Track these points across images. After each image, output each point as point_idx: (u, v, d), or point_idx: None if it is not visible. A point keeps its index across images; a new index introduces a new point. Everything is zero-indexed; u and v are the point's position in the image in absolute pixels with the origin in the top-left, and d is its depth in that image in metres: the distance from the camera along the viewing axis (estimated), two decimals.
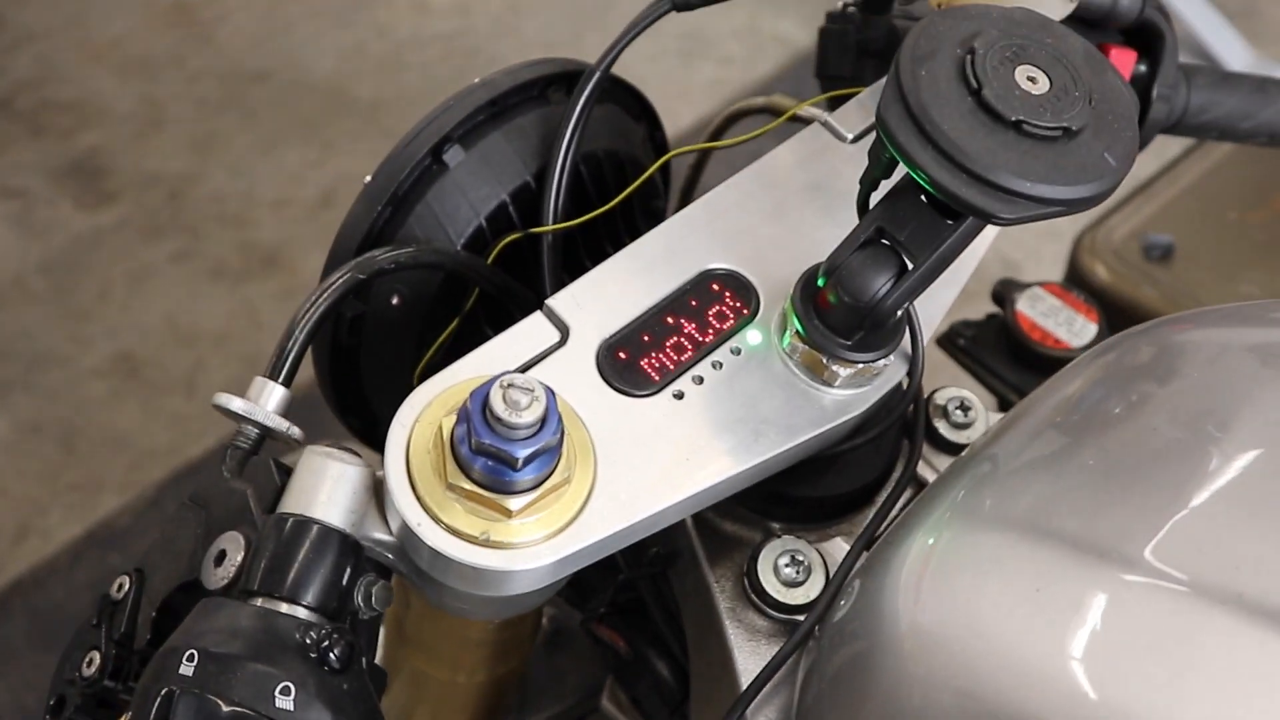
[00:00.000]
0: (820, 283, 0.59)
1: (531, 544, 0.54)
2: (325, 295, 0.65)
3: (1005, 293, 0.94)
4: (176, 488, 2.41)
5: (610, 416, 0.58)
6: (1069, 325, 0.91)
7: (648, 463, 0.58)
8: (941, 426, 0.71)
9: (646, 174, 0.76)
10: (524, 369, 0.59)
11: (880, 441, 0.66)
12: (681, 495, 0.57)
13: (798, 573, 0.64)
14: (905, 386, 0.64)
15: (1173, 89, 0.78)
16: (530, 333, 0.60)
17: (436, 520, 0.53)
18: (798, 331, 0.60)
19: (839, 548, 0.67)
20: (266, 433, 0.62)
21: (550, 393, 0.53)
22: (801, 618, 0.63)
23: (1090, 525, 0.46)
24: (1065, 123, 0.52)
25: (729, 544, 0.67)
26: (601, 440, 0.57)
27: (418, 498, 0.54)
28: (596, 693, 0.86)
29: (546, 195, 0.72)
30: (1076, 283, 1.16)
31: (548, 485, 0.54)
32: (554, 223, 0.73)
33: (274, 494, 0.57)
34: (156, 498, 2.41)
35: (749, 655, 0.64)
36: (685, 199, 0.90)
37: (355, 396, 0.79)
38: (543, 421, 0.52)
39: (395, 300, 0.73)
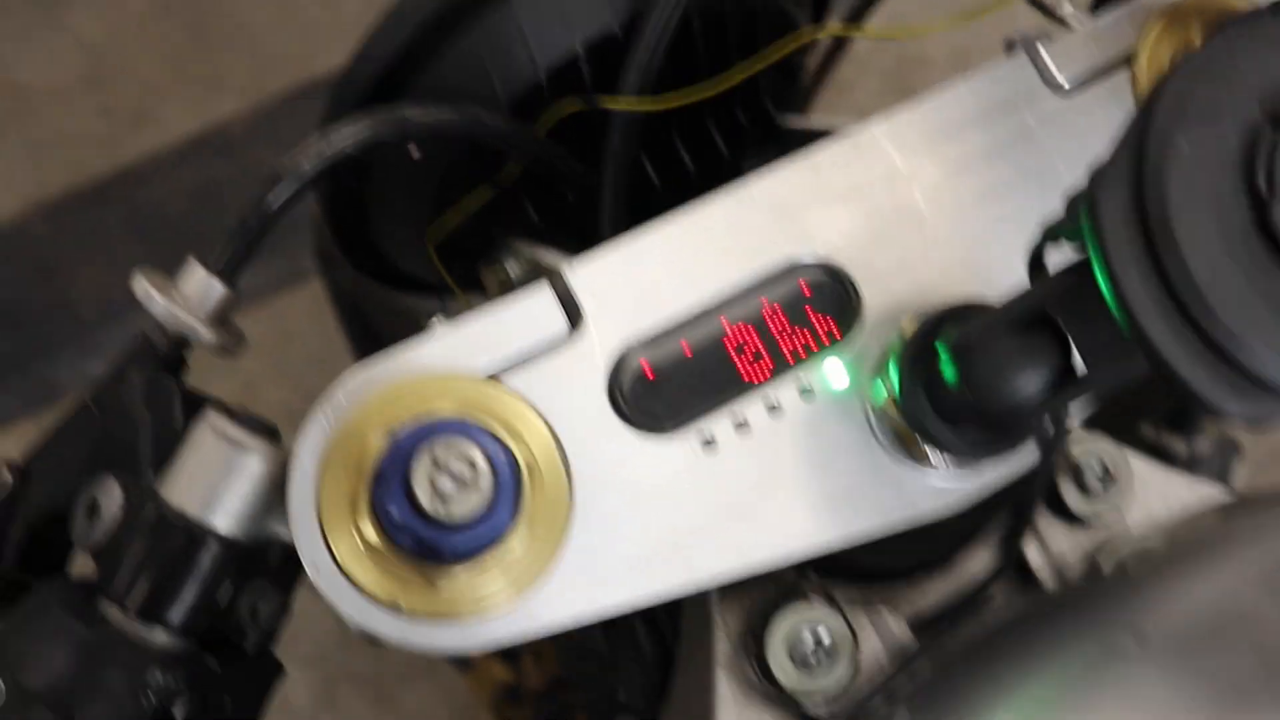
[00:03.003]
0: (941, 351, 0.41)
1: (455, 623, 0.41)
2: (301, 171, 0.48)
3: None
4: (294, 104, 2.31)
5: (608, 458, 0.43)
6: None
7: (640, 535, 0.43)
8: (1067, 490, 0.54)
9: (771, 57, 0.55)
10: (511, 367, 0.43)
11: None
12: (673, 588, 0.43)
13: (816, 656, 0.50)
14: (1036, 473, 0.47)
15: None
16: (529, 314, 0.44)
17: (339, 565, 0.40)
18: (894, 398, 0.43)
19: (881, 621, 0.52)
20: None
21: (510, 470, 0.38)
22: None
23: None
24: None
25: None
26: (586, 490, 0.42)
27: (321, 529, 0.40)
28: None
29: (634, 60, 0.53)
30: None
31: (489, 558, 0.40)
32: (638, 95, 0.54)
33: (170, 441, 0.45)
34: (273, 110, 2.31)
35: None
36: (815, 84, 0.69)
37: (360, 237, 0.64)
38: (488, 510, 0.37)
39: (414, 153, 0.57)
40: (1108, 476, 0.54)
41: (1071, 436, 0.54)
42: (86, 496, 0.45)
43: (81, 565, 0.48)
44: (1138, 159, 0.32)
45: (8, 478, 0.50)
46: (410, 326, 1.07)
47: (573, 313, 0.44)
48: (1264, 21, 0.34)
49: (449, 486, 0.37)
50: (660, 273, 0.44)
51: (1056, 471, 0.54)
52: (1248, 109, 0.32)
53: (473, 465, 0.37)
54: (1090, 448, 0.54)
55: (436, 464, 0.37)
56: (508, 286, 0.59)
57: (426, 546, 0.38)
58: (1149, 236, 0.32)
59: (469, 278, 0.63)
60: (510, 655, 1.33)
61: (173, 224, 2.22)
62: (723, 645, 0.53)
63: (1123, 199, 0.32)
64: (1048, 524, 0.55)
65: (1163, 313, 0.32)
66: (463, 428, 0.38)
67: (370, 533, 0.39)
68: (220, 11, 2.43)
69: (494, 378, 0.43)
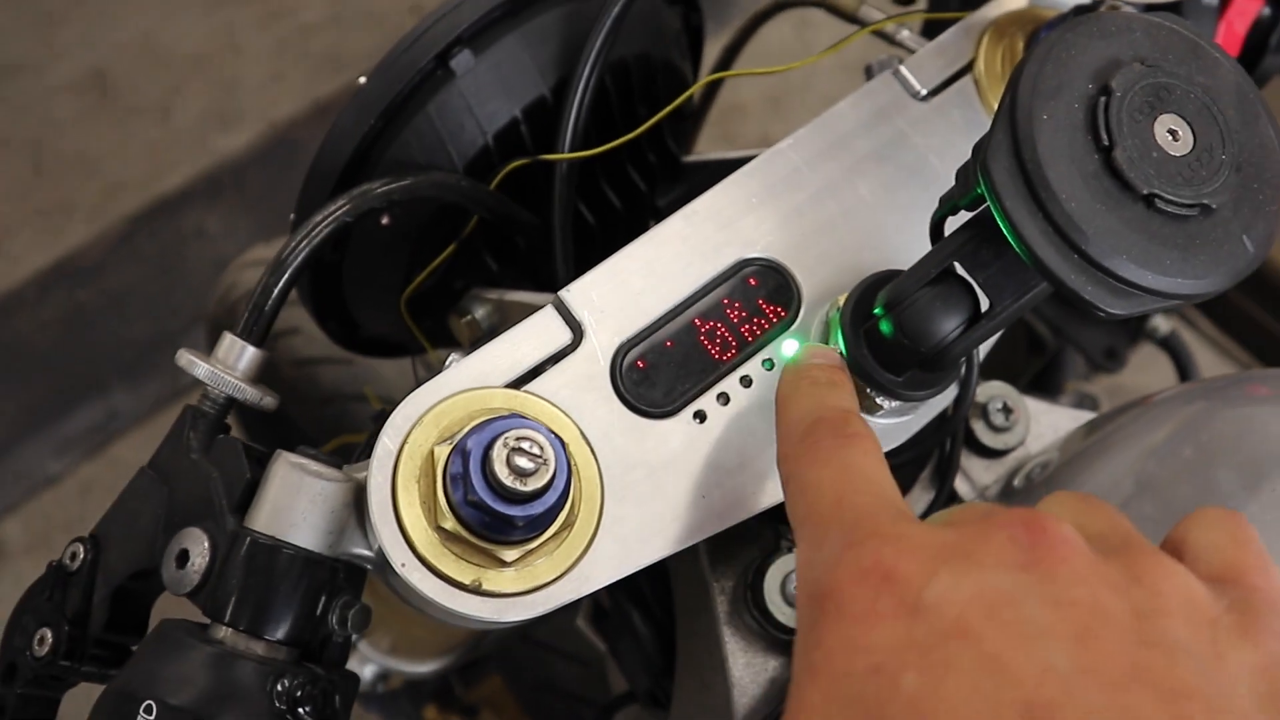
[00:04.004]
0: (877, 311, 0.51)
1: (526, 593, 0.48)
2: (305, 242, 0.56)
3: None
4: (148, 222, 2.33)
5: (622, 440, 0.52)
6: None
7: (660, 498, 0.51)
8: (979, 428, 0.65)
9: (674, 104, 0.66)
10: (531, 375, 0.52)
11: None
12: (695, 537, 0.52)
13: None
14: (950, 414, 0.57)
15: None
16: (539, 332, 0.52)
17: (423, 561, 0.48)
18: (841, 355, 0.53)
19: None
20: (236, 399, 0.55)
21: (561, 447, 0.46)
22: None
23: None
24: (1204, 198, 0.43)
25: (733, 541, 0.62)
26: (610, 469, 0.51)
27: (403, 532, 0.48)
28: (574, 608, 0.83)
29: (565, 118, 0.62)
30: None
31: (549, 533, 0.48)
32: (571, 148, 0.63)
33: (243, 488, 0.51)
34: (128, 232, 2.33)
35: (744, 667, 0.60)
36: (705, 107, 0.79)
37: (335, 305, 0.71)
38: (550, 483, 0.46)
39: (384, 220, 0.65)
40: (1009, 413, 0.65)
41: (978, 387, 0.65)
42: (173, 550, 0.51)
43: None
44: (1012, 129, 0.43)
45: (82, 554, 0.55)
46: (325, 410, 1.12)
47: (574, 326, 0.53)
48: (1082, 21, 0.45)
49: (526, 464, 0.45)
50: (638, 284, 0.54)
51: (970, 415, 0.65)
52: (1083, 84, 0.43)
53: (539, 445, 0.45)
54: (993, 392, 0.66)
55: (510, 449, 0.45)
56: (477, 331, 0.67)
57: (503, 522, 0.46)
58: (1030, 186, 0.42)
59: (435, 333, 0.71)
60: (469, 712, 1.38)
61: (43, 357, 2.20)
62: (722, 605, 0.61)
63: (1006, 161, 0.43)
64: (968, 460, 0.66)
65: (1050, 242, 0.43)
66: (521, 421, 0.46)
67: (449, 523, 0.47)
68: (58, 142, 2.44)
69: (518, 389, 0.51)
